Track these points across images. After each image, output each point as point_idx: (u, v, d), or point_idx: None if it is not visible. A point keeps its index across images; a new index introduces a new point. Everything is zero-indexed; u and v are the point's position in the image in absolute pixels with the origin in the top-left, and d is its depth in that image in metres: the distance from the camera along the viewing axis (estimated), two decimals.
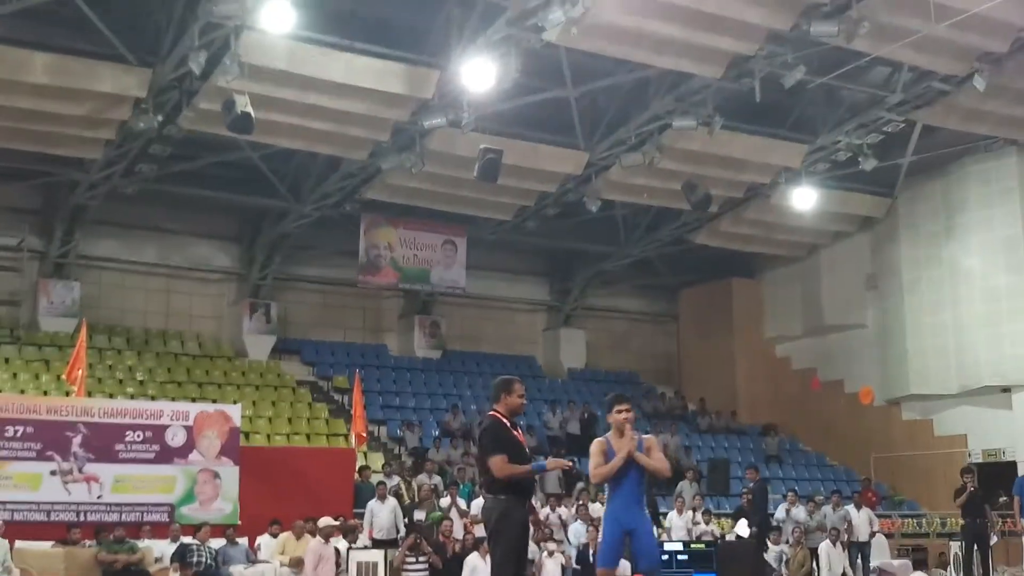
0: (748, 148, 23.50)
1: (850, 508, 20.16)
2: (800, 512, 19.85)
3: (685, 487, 21.74)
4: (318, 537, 15.54)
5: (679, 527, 18.88)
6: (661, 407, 29.58)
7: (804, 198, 24.77)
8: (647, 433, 7.90)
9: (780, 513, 20.05)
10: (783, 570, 18.78)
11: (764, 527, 18.40)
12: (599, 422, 26.35)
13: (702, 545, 17.41)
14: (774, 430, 29.07)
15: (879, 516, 21.64)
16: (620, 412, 7.84)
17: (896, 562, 21.13)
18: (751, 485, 18.96)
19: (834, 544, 18.91)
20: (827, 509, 19.79)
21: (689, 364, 31.70)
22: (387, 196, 24.35)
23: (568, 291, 30.50)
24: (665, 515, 20.06)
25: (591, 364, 30.57)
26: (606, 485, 7.85)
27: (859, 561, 19.77)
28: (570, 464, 7.98)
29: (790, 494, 20.69)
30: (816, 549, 19.07)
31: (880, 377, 27.59)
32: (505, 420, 7.63)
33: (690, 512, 19.27)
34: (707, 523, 19.17)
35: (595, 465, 7.83)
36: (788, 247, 29.06)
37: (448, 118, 20.43)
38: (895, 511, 24.98)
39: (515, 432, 7.63)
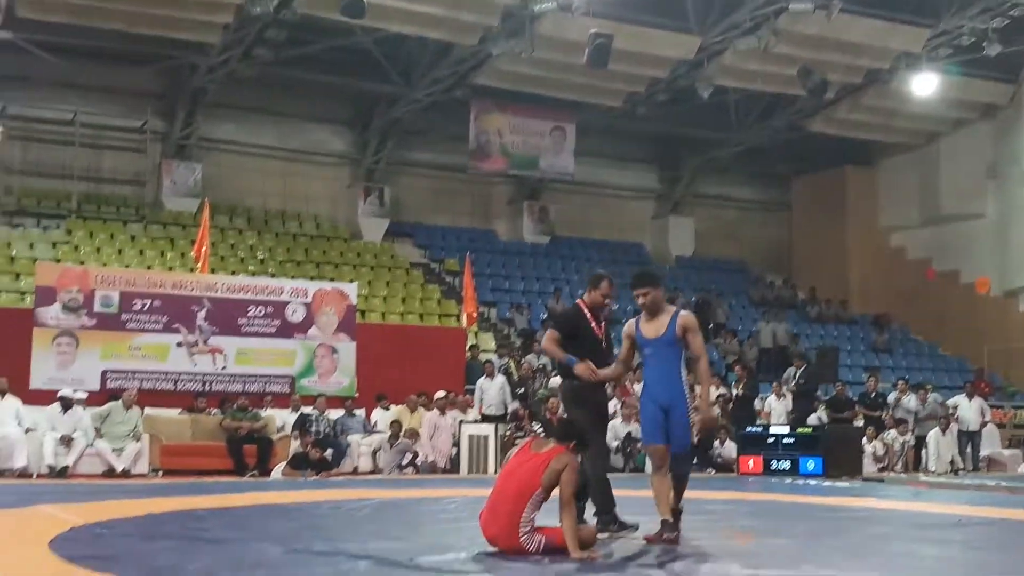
0: (867, 32, 22.83)
1: (961, 398, 20.06)
2: (911, 401, 19.82)
3: (791, 374, 21.77)
4: (434, 409, 16.13)
5: (778, 412, 19.00)
6: (770, 295, 29.48)
7: (924, 84, 24.09)
8: (685, 311, 7.09)
9: (890, 401, 20.06)
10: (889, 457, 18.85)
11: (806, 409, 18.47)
12: (711, 308, 26.42)
13: (808, 429, 17.48)
14: (886, 320, 28.78)
15: (991, 407, 21.45)
16: (637, 296, 7.20)
17: (1007, 452, 21.02)
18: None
19: (943, 433, 18.87)
20: (935, 396, 19.75)
21: (800, 253, 31.40)
22: (497, 82, 24.37)
23: (677, 179, 30.31)
24: (764, 399, 20.21)
25: (699, 252, 30.49)
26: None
27: (969, 450, 19.73)
28: (593, 376, 7.45)
29: (900, 383, 20.63)
30: (925, 437, 19.07)
31: (997, 268, 27.03)
32: (586, 310, 7.69)
33: (788, 397, 19.30)
34: (815, 410, 19.22)
35: (619, 352, 7.47)
36: (906, 135, 28.36)
37: (558, 2, 20.28)
38: (1008, 402, 24.66)
39: (592, 323, 7.60)
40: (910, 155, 29.09)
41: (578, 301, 7.89)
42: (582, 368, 7.27)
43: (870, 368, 24.10)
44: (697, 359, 7.11)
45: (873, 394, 20.13)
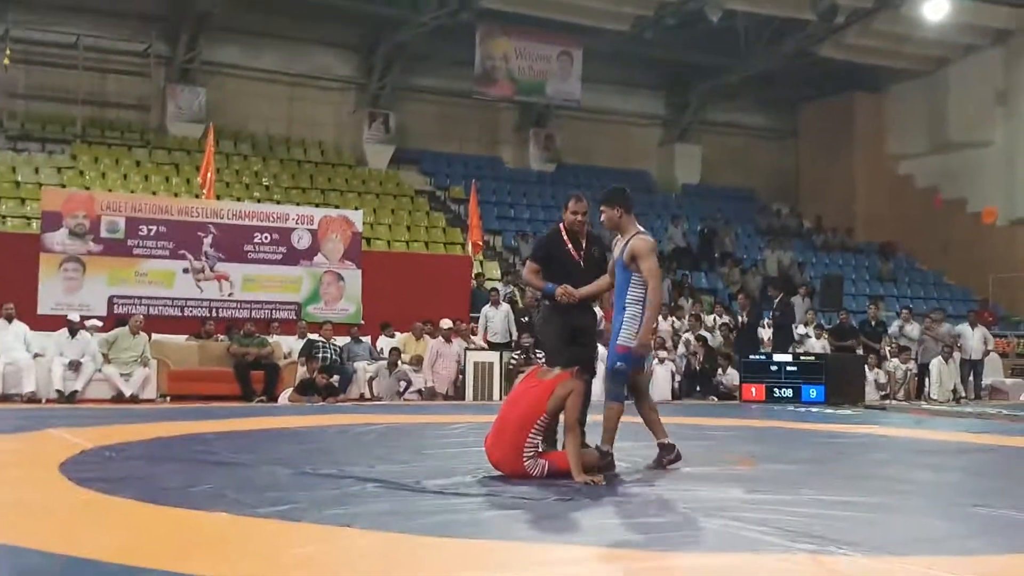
0: None
1: (965, 327, 20.11)
2: (914, 329, 19.88)
3: (797, 302, 21.83)
4: (439, 337, 16.20)
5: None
6: (776, 223, 29.45)
7: (936, 8, 23.85)
8: (643, 235, 6.97)
9: (894, 329, 20.13)
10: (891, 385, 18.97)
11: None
12: (717, 237, 26.44)
13: (812, 357, 17.58)
14: (892, 248, 28.77)
15: (995, 336, 21.52)
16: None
17: (1009, 381, 21.15)
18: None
19: (946, 361, 18.96)
20: (948, 326, 19.81)
21: (807, 181, 31.30)
22: (503, 5, 24.13)
23: (685, 105, 30.09)
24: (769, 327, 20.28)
25: (706, 180, 30.39)
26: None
27: (971, 378, 19.83)
28: (571, 298, 7.46)
29: (904, 311, 20.70)
30: (928, 365, 19.16)
31: (1005, 197, 26.95)
32: (564, 233, 7.63)
33: (804, 326, 19.42)
34: (818, 338, 19.33)
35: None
36: (916, 60, 28.09)
37: None
38: (1011, 331, 24.75)
39: (568, 246, 7.45)
40: (919, 81, 28.85)
41: (559, 224, 7.82)
42: (560, 292, 7.22)
43: (874, 297, 24.13)
44: (645, 285, 6.97)
45: (873, 323, 20.20)
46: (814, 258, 27.84)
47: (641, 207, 28.21)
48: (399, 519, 4.93)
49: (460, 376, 16.17)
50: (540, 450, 6.45)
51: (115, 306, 15.80)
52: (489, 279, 20.86)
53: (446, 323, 16.47)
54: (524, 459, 6.36)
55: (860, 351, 19.30)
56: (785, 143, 31.91)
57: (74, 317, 14.68)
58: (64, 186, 20.23)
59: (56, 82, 23.47)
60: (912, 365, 19.37)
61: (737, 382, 17.53)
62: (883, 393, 18.60)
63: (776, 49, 27.26)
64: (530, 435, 6.36)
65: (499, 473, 6.43)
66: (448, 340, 16.24)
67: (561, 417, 6.44)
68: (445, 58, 26.52)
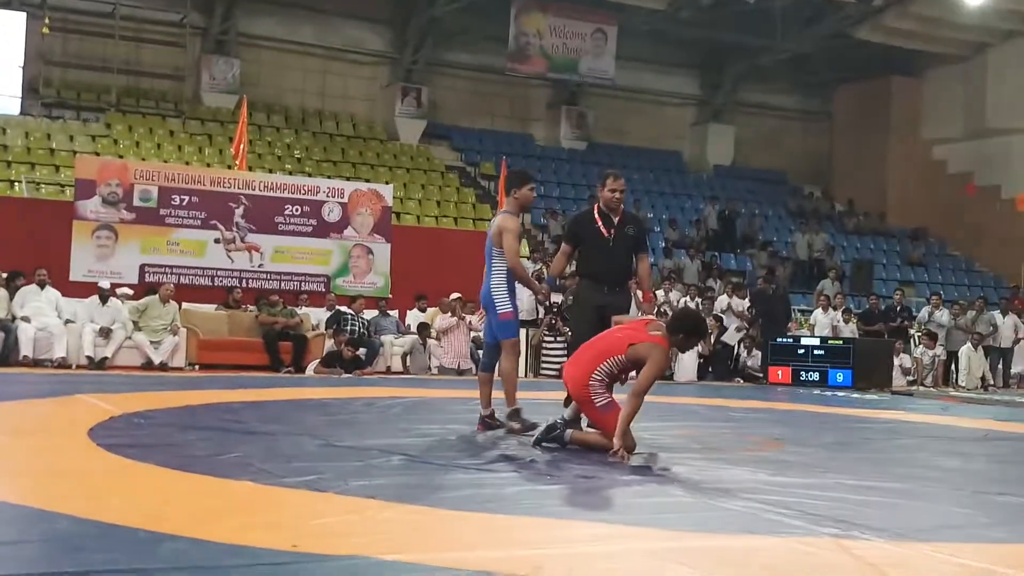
0: None
1: (996, 314, 19.97)
2: (943, 315, 19.77)
3: (827, 285, 21.77)
4: (447, 314, 16.11)
5: (823, 324, 19.03)
6: (807, 206, 29.27)
7: None
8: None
9: (923, 315, 20.02)
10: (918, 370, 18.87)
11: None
12: (740, 219, 26.34)
13: (839, 341, 17.52)
14: (923, 234, 28.55)
15: None
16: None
17: None
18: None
19: (975, 348, 18.84)
20: (971, 314, 19.65)
21: (840, 164, 31.06)
22: None
23: (719, 85, 29.89)
24: (810, 312, 20.22)
25: (739, 161, 30.22)
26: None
27: (1000, 366, 19.71)
28: (543, 294, 8.12)
29: (934, 297, 20.60)
30: (957, 352, 19.05)
31: None
32: (596, 212, 7.71)
33: (833, 310, 19.35)
34: (846, 322, 19.25)
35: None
36: (954, 45, 27.77)
37: None
38: None
39: (598, 224, 7.61)
40: (957, 66, 28.55)
41: (594, 204, 7.92)
42: (540, 291, 7.97)
43: (903, 282, 24.00)
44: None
45: (898, 308, 20.09)
46: (845, 242, 27.67)
47: (673, 187, 28.18)
48: (423, 492, 4.96)
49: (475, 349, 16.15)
50: (609, 395, 6.61)
51: (146, 274, 15.94)
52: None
53: (455, 295, 16.23)
54: (591, 382, 6.53)
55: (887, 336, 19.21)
56: (819, 125, 31.67)
57: (105, 284, 14.83)
58: (98, 154, 20.37)
59: (92, 51, 23.60)
60: (940, 351, 19.26)
61: (759, 364, 17.52)
62: (910, 379, 18.51)
63: (813, 30, 27.02)
64: (603, 364, 6.54)
65: (525, 449, 6.44)
66: (453, 313, 16.09)
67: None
68: (478, 34, 26.46)
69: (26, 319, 14.10)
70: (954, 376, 19.15)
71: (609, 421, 6.45)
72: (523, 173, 7.81)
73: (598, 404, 6.54)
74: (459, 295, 16.22)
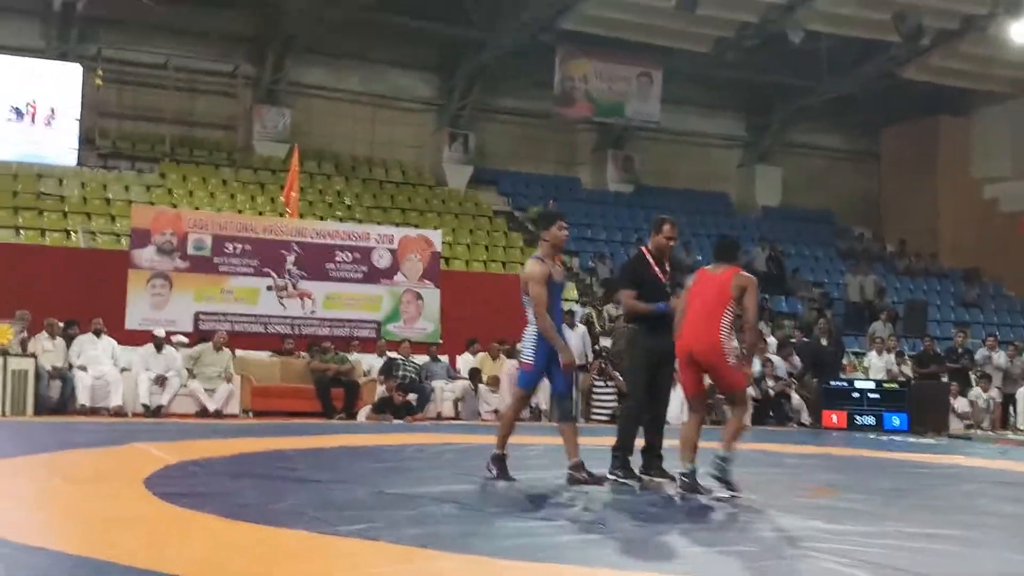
0: None
1: None
2: (1000, 357, 19.46)
3: (878, 328, 21.51)
4: (514, 361, 16.10)
5: (878, 367, 18.78)
6: (857, 247, 29.04)
7: None
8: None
9: (980, 357, 19.72)
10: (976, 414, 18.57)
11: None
12: (788, 259, 26.19)
13: (895, 385, 17.31)
14: (977, 274, 28.19)
15: None
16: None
17: None
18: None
19: None
20: None
21: (889, 204, 30.79)
22: (583, 26, 24.17)
23: (765, 127, 29.83)
24: (863, 355, 19.99)
25: (786, 202, 30.08)
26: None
27: None
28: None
29: (990, 339, 20.27)
30: (1014, 394, 18.74)
31: None
32: (649, 256, 7.76)
33: (887, 353, 19.12)
34: (900, 365, 19.01)
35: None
36: (1003, 83, 27.49)
37: None
38: None
39: (655, 268, 7.72)
40: (1006, 105, 28.25)
41: (642, 248, 7.96)
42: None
43: (959, 323, 23.65)
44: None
45: (960, 350, 19.80)
46: (897, 283, 27.38)
47: (720, 229, 28.08)
48: (476, 540, 4.96)
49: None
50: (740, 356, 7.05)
51: (200, 322, 16.09)
52: (566, 300, 20.81)
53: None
54: (721, 338, 6.90)
55: (945, 378, 18.93)
56: (867, 165, 31.45)
57: (160, 332, 15.02)
58: (153, 204, 20.68)
59: (146, 102, 24.04)
60: (996, 393, 18.95)
61: (799, 407, 17.38)
62: (967, 422, 18.22)
63: (859, 71, 26.90)
64: (723, 317, 6.93)
65: (576, 497, 6.41)
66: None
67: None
68: (524, 79, 26.64)
69: (83, 368, 14.31)
70: (1012, 419, 18.82)
71: (739, 380, 6.97)
72: (551, 213, 7.83)
73: (731, 363, 6.90)
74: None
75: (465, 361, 17.13)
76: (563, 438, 7.39)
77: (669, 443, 7.41)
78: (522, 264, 23.16)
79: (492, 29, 24.39)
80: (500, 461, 7.44)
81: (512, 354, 16.63)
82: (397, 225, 21.00)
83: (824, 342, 18.72)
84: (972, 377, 19.40)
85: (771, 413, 17.53)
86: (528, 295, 7.35)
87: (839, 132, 30.94)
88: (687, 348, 7.06)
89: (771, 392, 17.61)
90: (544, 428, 13.96)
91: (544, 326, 7.30)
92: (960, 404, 18.28)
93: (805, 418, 17.50)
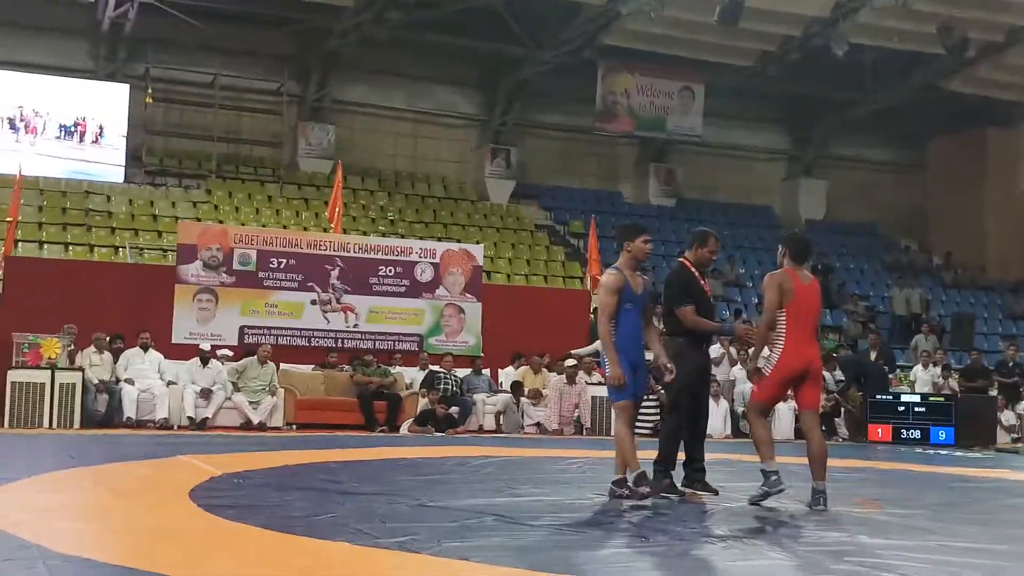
0: None
1: None
2: None
3: (920, 341, 21.27)
4: (562, 376, 16.04)
5: (924, 380, 18.56)
6: (903, 260, 28.76)
7: None
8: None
9: None
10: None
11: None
12: (833, 273, 25.98)
13: (941, 399, 17.12)
14: None
15: None
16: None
17: None
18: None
19: None
20: None
21: (936, 216, 30.47)
22: (625, 42, 24.21)
23: (809, 140, 29.68)
24: (910, 368, 19.77)
25: (831, 215, 29.87)
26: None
27: None
28: (753, 333, 7.67)
29: None
30: None
31: None
32: (692, 268, 7.73)
33: (933, 367, 18.89)
34: (946, 378, 18.78)
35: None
36: None
37: None
38: None
39: (702, 281, 7.76)
40: None
41: (682, 260, 7.89)
42: (743, 330, 8.10)
43: (1007, 336, 23.36)
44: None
45: (1011, 363, 19.52)
46: (944, 296, 27.09)
47: (765, 243, 27.93)
48: (517, 554, 4.97)
49: (576, 411, 16.11)
50: None
51: (245, 336, 16.24)
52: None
53: (571, 363, 16.28)
54: None
55: (994, 392, 18.68)
56: (913, 178, 31.16)
57: (206, 346, 15.18)
58: (199, 220, 20.94)
59: (193, 120, 24.36)
60: None
61: (844, 426, 17.23)
62: (1015, 436, 17.96)
63: (903, 83, 26.71)
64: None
65: (619, 509, 6.41)
66: (572, 381, 16.05)
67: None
68: (566, 94, 26.71)
69: (130, 381, 14.49)
70: None
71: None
72: (636, 225, 7.70)
73: None
74: (575, 361, 16.20)
75: (507, 374, 17.15)
76: (617, 450, 7.25)
77: (710, 456, 7.38)
78: (562, 279, 23.26)
79: (535, 46, 24.49)
80: (643, 477, 7.12)
81: (552, 367, 16.67)
82: (439, 240, 21.11)
83: (873, 356, 18.55)
84: (1022, 391, 19.11)
85: (823, 427, 17.37)
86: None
87: (884, 144, 30.70)
88: (809, 361, 7.04)
89: (824, 406, 17.48)
90: (584, 441, 13.95)
91: (602, 332, 7.22)
92: (1007, 417, 18.04)
93: (843, 432, 17.34)
